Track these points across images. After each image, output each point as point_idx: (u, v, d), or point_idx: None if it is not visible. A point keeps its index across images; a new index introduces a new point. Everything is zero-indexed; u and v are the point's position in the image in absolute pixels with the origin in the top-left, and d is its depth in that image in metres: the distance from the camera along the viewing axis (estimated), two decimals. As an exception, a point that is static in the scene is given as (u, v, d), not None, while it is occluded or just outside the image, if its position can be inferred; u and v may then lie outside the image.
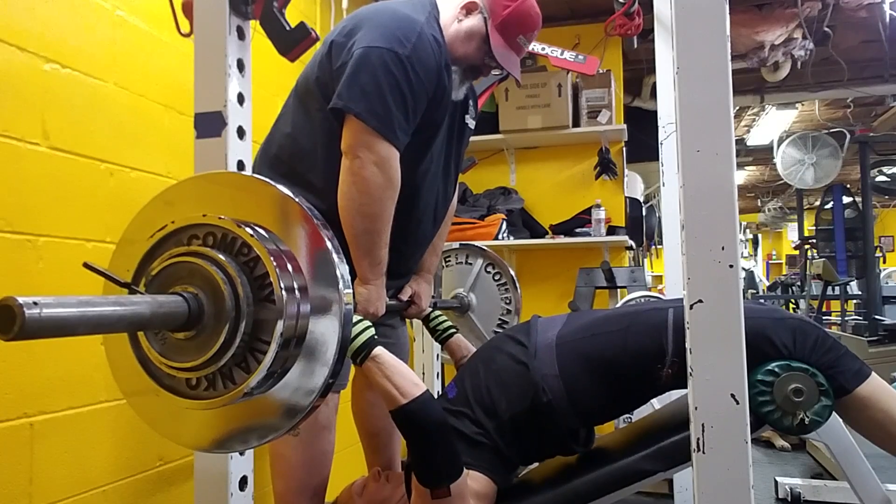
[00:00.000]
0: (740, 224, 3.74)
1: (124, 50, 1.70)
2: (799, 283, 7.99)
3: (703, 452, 0.95)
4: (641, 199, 4.51)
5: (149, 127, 1.77)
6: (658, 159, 2.72)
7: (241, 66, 1.17)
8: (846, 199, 6.75)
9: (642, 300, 3.00)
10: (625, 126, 3.54)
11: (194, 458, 1.16)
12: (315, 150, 1.48)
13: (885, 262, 10.39)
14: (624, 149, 3.67)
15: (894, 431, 1.32)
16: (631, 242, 3.59)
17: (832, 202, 6.79)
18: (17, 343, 0.72)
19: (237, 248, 0.82)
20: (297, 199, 0.87)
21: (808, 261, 7.16)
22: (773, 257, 15.73)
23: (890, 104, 5.73)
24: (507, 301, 2.19)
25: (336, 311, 0.84)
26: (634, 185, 4.24)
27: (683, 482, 2.57)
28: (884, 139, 6.16)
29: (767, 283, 11.05)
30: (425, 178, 1.55)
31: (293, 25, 1.19)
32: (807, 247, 7.37)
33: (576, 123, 3.55)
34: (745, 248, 14.56)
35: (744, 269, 11.04)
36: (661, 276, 3.30)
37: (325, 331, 0.84)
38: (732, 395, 0.94)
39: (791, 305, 7.90)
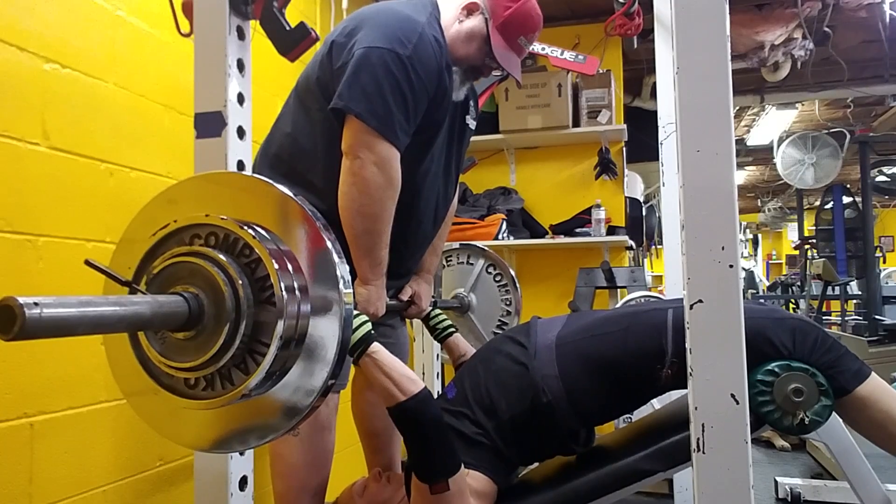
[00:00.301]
0: (740, 224, 3.74)
1: (124, 50, 1.70)
2: (799, 283, 8.00)
3: (703, 452, 0.95)
4: (641, 199, 4.51)
5: (149, 127, 1.78)
6: (658, 159, 2.72)
7: (241, 66, 1.17)
8: (846, 199, 6.76)
9: (642, 300, 2.99)
10: (625, 126, 3.54)
11: (194, 458, 1.16)
12: (315, 150, 1.48)
13: (885, 262, 10.39)
14: (624, 149, 3.67)
15: (894, 431, 1.32)
16: (631, 242, 3.59)
17: (832, 202, 6.80)
18: (17, 343, 0.72)
19: (239, 249, 0.82)
20: (297, 200, 0.87)
21: (808, 261, 7.16)
22: (773, 257, 15.73)
23: (890, 104, 5.73)
24: (508, 302, 2.19)
25: (336, 312, 0.84)
26: (634, 185, 4.24)
27: (683, 482, 2.57)
28: (884, 139, 6.16)
29: (767, 283, 11.06)
30: (426, 179, 1.55)
31: (293, 25, 1.19)
32: (807, 247, 7.38)
33: (576, 123, 3.55)
34: (745, 248, 14.56)
35: (744, 269, 11.04)
36: (661, 276, 3.30)
37: (326, 331, 0.84)
38: (732, 395, 0.95)
39: (791, 305, 7.90)
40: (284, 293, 0.79)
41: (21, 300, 0.60)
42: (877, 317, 5.25)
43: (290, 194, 0.87)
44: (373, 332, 1.25)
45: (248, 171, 1.19)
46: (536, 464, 1.59)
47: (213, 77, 1.14)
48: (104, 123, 1.63)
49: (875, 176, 6.88)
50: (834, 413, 1.33)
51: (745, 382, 0.95)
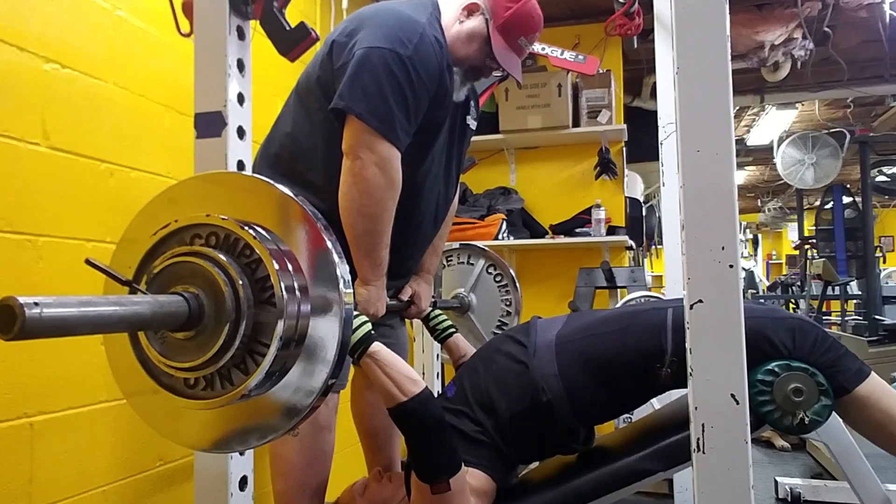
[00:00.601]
0: (740, 224, 3.74)
1: (124, 50, 1.70)
2: (799, 283, 8.00)
3: (703, 452, 0.95)
4: (641, 199, 4.51)
5: (149, 127, 1.78)
6: (658, 159, 2.72)
7: (241, 66, 1.17)
8: (846, 199, 6.76)
9: (642, 300, 3.00)
10: (625, 126, 3.54)
11: (194, 458, 1.16)
12: (315, 150, 1.48)
13: (885, 262, 10.39)
14: (624, 149, 3.67)
15: (894, 431, 1.32)
16: (631, 242, 3.59)
17: (832, 202, 6.80)
18: (17, 343, 0.72)
19: (239, 249, 0.82)
20: (298, 200, 0.87)
21: (808, 261, 7.16)
22: (773, 257, 15.73)
23: (890, 104, 5.73)
24: (508, 303, 2.19)
25: (336, 312, 0.84)
26: (634, 185, 4.24)
27: (683, 482, 2.57)
28: (884, 139, 6.16)
29: (767, 283, 11.06)
30: (426, 179, 1.55)
31: (293, 25, 1.19)
32: (807, 247, 7.38)
33: (576, 123, 3.55)
34: (745, 248, 14.56)
35: (744, 269, 11.04)
36: (661, 276, 3.30)
37: (326, 331, 0.84)
38: (732, 395, 0.95)
39: (791, 305, 7.90)
40: (284, 293, 0.79)
41: (21, 300, 0.59)
42: (877, 317, 5.25)
43: (291, 194, 0.87)
44: (373, 332, 1.25)
45: (248, 170, 1.19)
46: (536, 463, 1.60)
47: (213, 77, 1.14)
48: (104, 123, 1.63)
49: (875, 176, 6.88)
50: (834, 413, 1.33)
51: (745, 382, 0.95)
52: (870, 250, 5.68)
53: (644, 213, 4.44)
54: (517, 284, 2.20)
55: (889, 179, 7.24)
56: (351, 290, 0.87)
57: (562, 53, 2.77)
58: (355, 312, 1.26)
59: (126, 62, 1.70)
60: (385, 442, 1.76)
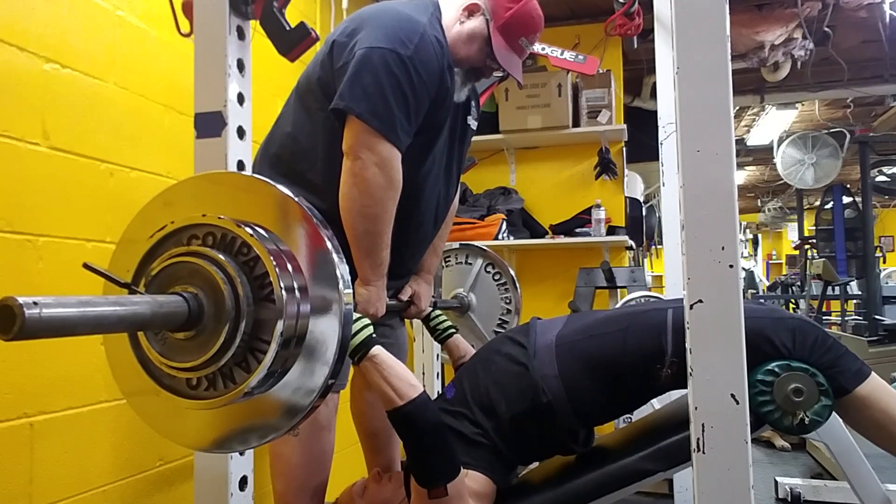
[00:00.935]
0: (740, 224, 3.74)
1: (124, 50, 1.70)
2: (799, 283, 8.00)
3: (703, 452, 0.95)
4: (641, 199, 4.51)
5: (149, 127, 1.77)
6: (658, 159, 2.72)
7: (241, 66, 1.17)
8: (846, 199, 6.76)
9: (642, 300, 3.00)
10: (625, 126, 3.54)
11: (194, 458, 1.16)
12: (315, 150, 1.48)
13: (885, 262, 10.39)
14: (624, 149, 3.67)
15: (894, 431, 1.32)
16: (631, 242, 3.59)
17: (832, 202, 6.80)
18: (17, 343, 0.72)
19: (237, 247, 0.82)
20: (296, 199, 0.87)
21: (808, 261, 7.16)
22: (773, 257, 15.73)
23: (890, 104, 5.73)
24: (507, 301, 2.19)
25: (336, 311, 0.84)
26: (634, 185, 4.24)
27: (683, 482, 2.57)
28: (884, 139, 6.16)
29: (767, 283, 11.06)
30: (427, 180, 1.55)
31: (293, 25, 1.19)
32: (807, 247, 7.38)
33: (576, 123, 3.55)
34: (745, 248, 14.56)
35: (744, 269, 11.04)
36: (661, 276, 3.30)
37: (326, 331, 0.84)
38: (732, 395, 0.94)
39: (791, 305, 7.90)
40: (284, 290, 0.79)
41: (21, 300, 0.60)
42: (877, 317, 5.25)
43: (290, 194, 0.87)
44: (374, 335, 1.25)
45: (248, 170, 1.19)
46: (536, 464, 1.59)
47: (213, 77, 1.14)
48: (104, 123, 1.63)
49: (875, 176, 6.88)
50: (834, 413, 1.33)
51: (745, 382, 0.95)
52: (870, 250, 5.68)
53: (644, 213, 4.44)
54: (516, 283, 2.20)
55: (889, 179, 7.24)
56: (350, 290, 0.87)
57: (562, 53, 2.77)
58: (356, 314, 1.27)
59: (126, 62, 1.70)
60: (385, 442, 1.76)
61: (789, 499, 3.01)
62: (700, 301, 0.96)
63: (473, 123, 1.70)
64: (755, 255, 15.10)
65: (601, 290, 3.32)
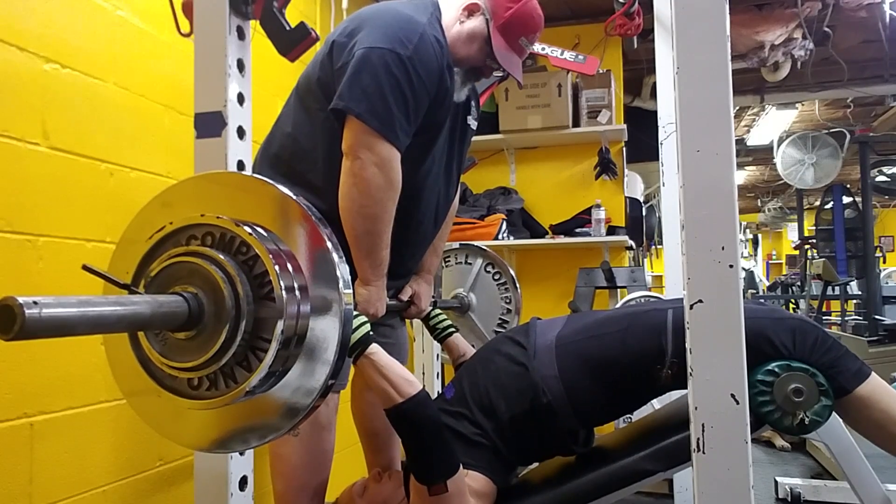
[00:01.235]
0: (740, 224, 3.74)
1: (124, 50, 1.70)
2: (799, 283, 7.99)
3: (703, 452, 0.95)
4: (641, 199, 4.51)
5: (149, 127, 1.77)
6: (658, 159, 2.72)
7: (241, 66, 1.17)
8: (846, 199, 6.76)
9: (642, 300, 3.00)
10: (625, 126, 3.54)
11: (194, 458, 1.16)
12: (315, 150, 1.48)
13: (885, 262, 10.38)
14: (624, 149, 3.67)
15: (894, 431, 1.32)
16: (631, 242, 3.59)
17: (832, 202, 6.80)
18: (17, 343, 0.72)
19: (236, 247, 0.82)
20: (296, 199, 0.87)
21: (808, 261, 7.16)
22: (773, 257, 15.72)
23: (890, 104, 5.73)
24: (507, 301, 2.19)
25: (336, 311, 0.84)
26: (634, 185, 4.24)
27: (683, 482, 2.57)
28: (884, 139, 6.16)
29: (767, 283, 11.05)
30: (426, 180, 1.55)
31: (293, 25, 1.19)
32: (807, 247, 7.38)
33: (576, 123, 3.55)
34: (745, 248, 14.56)
35: (744, 269, 11.04)
36: (661, 276, 3.30)
37: (326, 330, 0.84)
38: (732, 395, 0.94)
39: (791, 305, 7.90)
40: (283, 289, 0.79)
41: (21, 300, 0.60)
42: (877, 317, 5.25)
43: (290, 193, 0.87)
44: (371, 333, 1.25)
45: (248, 170, 1.19)
46: (536, 464, 1.59)
47: (213, 77, 1.14)
48: (104, 123, 1.63)
49: (875, 176, 6.88)
50: (834, 413, 1.33)
51: (745, 382, 0.95)
52: (870, 250, 5.68)
53: (644, 213, 4.43)
54: (516, 283, 2.20)
55: (889, 179, 7.24)
56: (350, 290, 0.87)
57: (562, 53, 2.77)
58: (355, 312, 1.26)
59: (126, 62, 1.70)
60: (385, 442, 1.76)
61: (789, 499, 3.01)
62: (700, 301, 0.96)
63: (473, 123, 1.70)
64: (755, 255, 15.10)
65: (601, 290, 3.32)
